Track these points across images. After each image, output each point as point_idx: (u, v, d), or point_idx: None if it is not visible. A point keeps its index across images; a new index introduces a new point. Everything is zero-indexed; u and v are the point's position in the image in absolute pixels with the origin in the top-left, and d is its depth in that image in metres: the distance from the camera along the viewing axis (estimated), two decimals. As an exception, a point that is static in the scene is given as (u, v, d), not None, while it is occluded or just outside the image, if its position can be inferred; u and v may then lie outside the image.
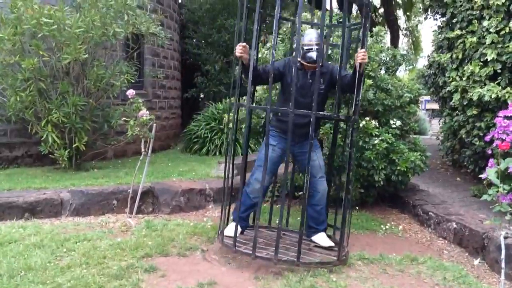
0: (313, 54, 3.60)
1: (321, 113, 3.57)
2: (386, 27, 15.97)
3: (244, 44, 3.50)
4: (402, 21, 21.60)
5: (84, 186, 4.97)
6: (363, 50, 3.47)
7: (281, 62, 3.83)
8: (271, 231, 4.24)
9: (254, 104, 3.70)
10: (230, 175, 3.82)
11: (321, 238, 3.87)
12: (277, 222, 3.54)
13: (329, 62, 4.29)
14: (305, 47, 3.66)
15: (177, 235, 4.05)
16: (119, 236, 4.02)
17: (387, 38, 15.56)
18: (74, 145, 5.89)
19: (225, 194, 3.86)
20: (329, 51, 4.85)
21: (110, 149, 7.13)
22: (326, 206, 3.95)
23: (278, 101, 3.98)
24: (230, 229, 3.73)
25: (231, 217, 4.01)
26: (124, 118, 4.88)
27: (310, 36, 3.67)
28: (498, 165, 2.78)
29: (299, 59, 3.69)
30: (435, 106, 14.99)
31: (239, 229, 3.79)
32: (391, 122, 4.83)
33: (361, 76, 3.57)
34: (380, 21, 18.52)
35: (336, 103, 3.73)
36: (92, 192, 4.79)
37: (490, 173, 2.75)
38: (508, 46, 4.96)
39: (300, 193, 4.91)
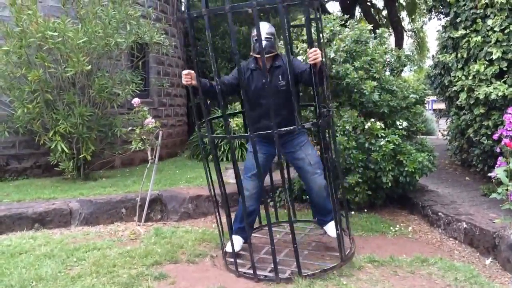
0: (263, 43, 3.30)
1: (283, 129, 3.18)
2: (390, 28, 15.94)
3: (187, 71, 3.49)
4: (406, 23, 21.54)
5: (92, 196, 5.00)
6: (313, 49, 3.11)
7: (234, 70, 3.69)
8: (276, 228, 4.32)
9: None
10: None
11: (331, 229, 3.79)
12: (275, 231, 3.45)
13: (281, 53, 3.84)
14: (254, 39, 3.50)
15: (186, 242, 4.06)
16: (128, 245, 4.03)
17: (392, 39, 15.52)
18: (81, 155, 5.93)
19: (217, 216, 3.75)
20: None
21: (117, 158, 7.17)
22: (332, 198, 3.61)
23: (245, 108, 3.77)
24: (230, 245, 3.62)
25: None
26: (131, 128, 4.91)
27: (259, 27, 3.34)
28: (508, 163, 2.76)
29: (252, 54, 3.61)
30: (442, 106, 14.91)
31: (242, 240, 3.76)
32: (397, 123, 4.81)
33: (321, 76, 3.25)
34: (384, 22, 18.50)
35: (296, 112, 3.25)
36: (101, 201, 4.81)
37: (498, 172, 2.73)
38: (513, 44, 4.93)
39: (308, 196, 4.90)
